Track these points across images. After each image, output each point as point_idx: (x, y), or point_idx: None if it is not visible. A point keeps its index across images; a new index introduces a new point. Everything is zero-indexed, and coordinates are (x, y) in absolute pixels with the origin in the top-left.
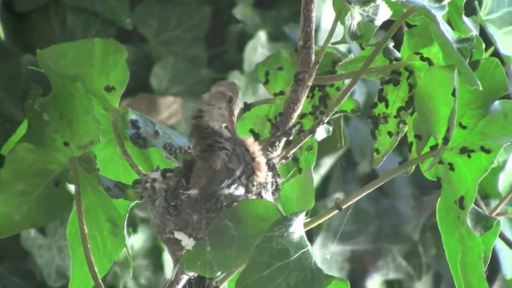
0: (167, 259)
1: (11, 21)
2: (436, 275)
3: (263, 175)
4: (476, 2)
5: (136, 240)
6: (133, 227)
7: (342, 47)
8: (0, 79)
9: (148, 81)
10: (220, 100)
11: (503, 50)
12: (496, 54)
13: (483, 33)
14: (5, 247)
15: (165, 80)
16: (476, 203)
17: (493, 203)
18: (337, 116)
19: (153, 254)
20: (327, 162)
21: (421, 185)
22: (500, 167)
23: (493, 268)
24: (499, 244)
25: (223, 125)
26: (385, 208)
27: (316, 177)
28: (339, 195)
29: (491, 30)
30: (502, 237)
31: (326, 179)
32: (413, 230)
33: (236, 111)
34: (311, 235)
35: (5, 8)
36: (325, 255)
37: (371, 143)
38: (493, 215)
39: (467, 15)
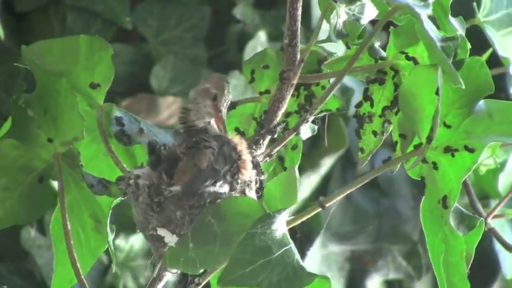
0: None
1: (11, 21)
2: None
3: (248, 173)
4: (475, 4)
5: (136, 240)
6: (132, 227)
7: (338, 47)
8: (0, 79)
9: (148, 81)
10: (205, 98)
11: (502, 52)
12: (494, 56)
13: (481, 35)
14: (5, 247)
15: (165, 80)
16: (473, 204)
17: (493, 203)
18: (322, 115)
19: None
20: (327, 162)
21: (421, 185)
22: (500, 168)
23: (493, 268)
24: (500, 245)
25: (210, 120)
26: (385, 208)
27: (316, 177)
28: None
29: (490, 32)
30: (499, 239)
31: (326, 179)
32: (413, 230)
33: (224, 108)
34: (311, 235)
35: (5, 8)
36: (328, 255)
37: None
38: (491, 216)
39: (465, 16)
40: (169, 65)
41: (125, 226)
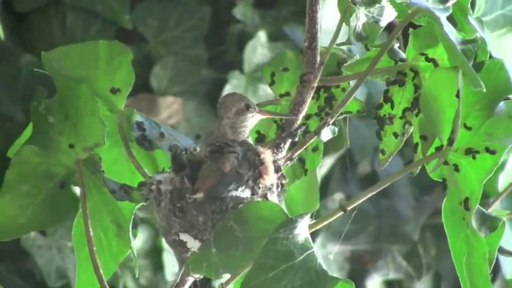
0: (167, 259)
1: (11, 21)
2: (436, 275)
3: (270, 179)
4: (469, 4)
5: (137, 240)
6: (133, 227)
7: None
8: (0, 79)
9: (148, 81)
10: (243, 116)
11: (496, 53)
12: (489, 57)
13: None
14: (5, 247)
15: (165, 80)
16: None
17: None
18: (342, 117)
19: (153, 254)
20: (327, 162)
21: (421, 185)
22: (500, 167)
23: (493, 268)
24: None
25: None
26: (385, 208)
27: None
28: (338, 195)
29: (484, 32)
30: None
31: (326, 179)
32: (413, 230)
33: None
34: (312, 235)
35: (5, 8)
36: (328, 255)
37: (371, 143)
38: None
39: None
40: (169, 65)
41: None
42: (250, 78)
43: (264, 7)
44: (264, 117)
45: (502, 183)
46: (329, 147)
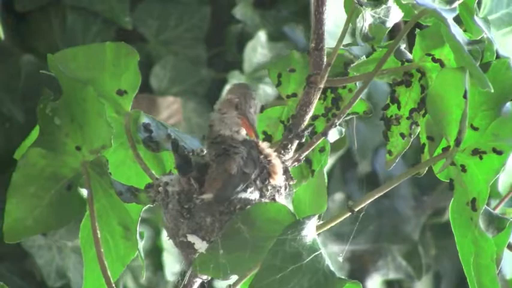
0: (167, 259)
1: (11, 21)
2: (436, 275)
3: (278, 178)
4: (475, 3)
5: None
6: None
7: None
8: (0, 79)
9: (148, 81)
10: (229, 108)
11: (502, 51)
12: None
13: None
14: (5, 247)
15: (165, 80)
16: None
17: (493, 203)
18: (349, 117)
19: (153, 254)
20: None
21: (421, 185)
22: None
23: None
24: None
25: (238, 129)
26: (385, 208)
27: None
28: (339, 195)
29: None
30: None
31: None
32: (413, 230)
33: (251, 114)
34: None
35: (5, 8)
36: (336, 257)
37: (371, 143)
38: None
39: None
40: (169, 65)
41: None
42: (250, 78)
43: (264, 7)
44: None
45: (502, 183)
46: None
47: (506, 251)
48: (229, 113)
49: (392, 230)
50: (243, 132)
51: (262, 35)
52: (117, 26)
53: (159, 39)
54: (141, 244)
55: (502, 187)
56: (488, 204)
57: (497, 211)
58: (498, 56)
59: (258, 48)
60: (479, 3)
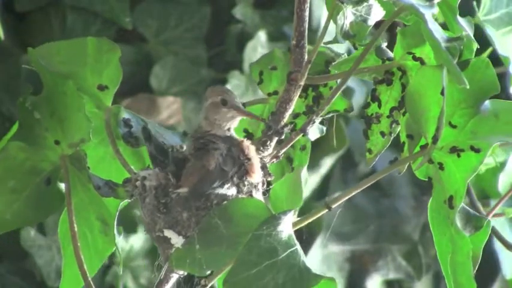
0: None
1: (11, 21)
2: (436, 275)
3: (256, 176)
4: (475, 3)
5: (137, 240)
6: (133, 227)
7: (344, 48)
8: (0, 79)
9: (148, 81)
10: (217, 108)
11: (501, 50)
12: (494, 55)
13: (481, 34)
14: (5, 247)
15: (165, 80)
16: (473, 203)
17: (493, 203)
18: (330, 115)
19: (153, 254)
20: (327, 162)
21: (421, 185)
22: (500, 167)
23: (493, 268)
24: (499, 244)
25: (230, 127)
26: (385, 208)
27: (316, 177)
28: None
29: (490, 30)
30: (500, 238)
31: (326, 179)
32: (413, 230)
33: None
34: (311, 235)
35: (5, 8)
36: (330, 255)
37: None
38: (491, 215)
39: (465, 15)
40: (169, 65)
41: (125, 226)
42: (250, 78)
43: (264, 7)
44: (241, 117)
45: (501, 183)
46: (329, 147)
47: (506, 251)
48: (219, 112)
49: (392, 230)
50: (235, 122)
51: (262, 35)
52: (117, 26)
53: (159, 39)
54: (135, 241)
55: (501, 187)
56: (488, 204)
57: (497, 211)
58: (497, 56)
59: (258, 48)
60: (478, 3)
